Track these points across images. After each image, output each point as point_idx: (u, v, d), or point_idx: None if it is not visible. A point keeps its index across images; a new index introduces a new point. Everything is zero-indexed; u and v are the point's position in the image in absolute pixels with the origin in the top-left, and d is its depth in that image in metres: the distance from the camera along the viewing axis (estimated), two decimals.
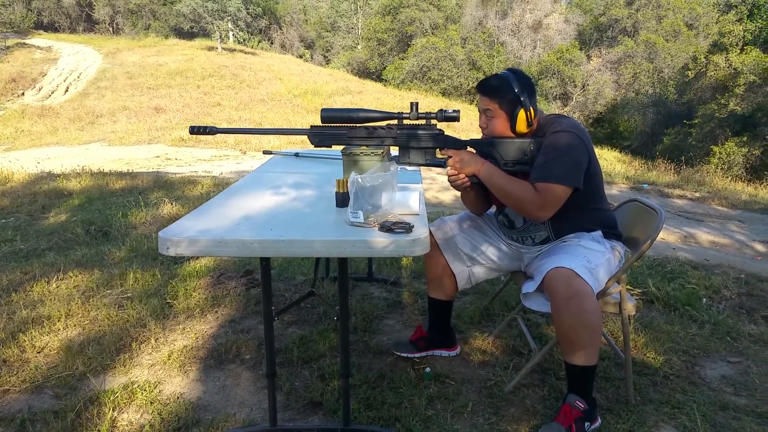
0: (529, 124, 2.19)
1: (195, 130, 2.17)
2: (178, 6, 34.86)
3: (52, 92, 22.91)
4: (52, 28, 40.29)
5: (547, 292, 2.09)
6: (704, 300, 3.49)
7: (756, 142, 18.63)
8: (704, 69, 21.42)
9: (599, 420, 2.20)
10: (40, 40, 33.40)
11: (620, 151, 24.64)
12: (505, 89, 2.17)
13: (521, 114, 2.16)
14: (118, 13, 41.37)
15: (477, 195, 2.42)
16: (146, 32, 38.13)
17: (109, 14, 41.26)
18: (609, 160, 19.49)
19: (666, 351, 2.84)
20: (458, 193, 2.43)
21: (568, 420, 2.08)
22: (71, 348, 2.73)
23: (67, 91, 23.10)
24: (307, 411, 2.31)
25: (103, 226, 4.96)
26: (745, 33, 22.80)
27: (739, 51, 20.96)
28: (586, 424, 2.12)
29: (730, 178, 14.28)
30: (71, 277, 3.69)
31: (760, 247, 5.35)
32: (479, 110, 2.27)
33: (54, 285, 3.56)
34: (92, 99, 21.08)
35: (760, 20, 22.54)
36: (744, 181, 14.06)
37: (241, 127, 13.99)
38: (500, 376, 2.56)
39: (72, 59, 28.23)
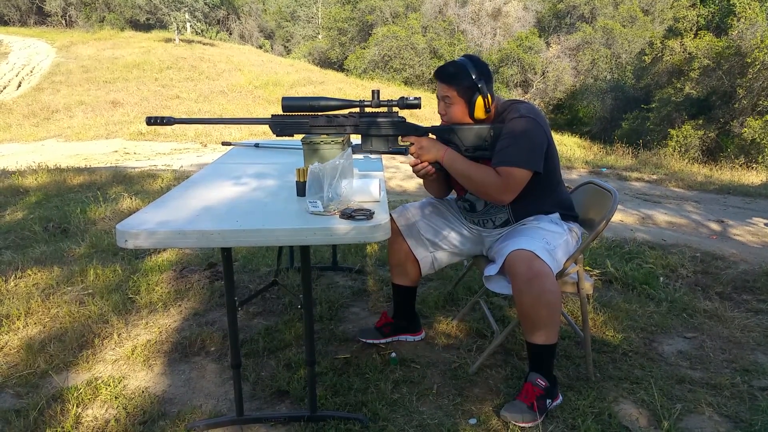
0: (486, 111, 2.22)
1: (152, 121, 2.14)
2: None
3: (4, 87, 22.22)
4: (1, 21, 39.07)
5: (509, 274, 2.14)
6: (661, 279, 3.59)
7: (711, 125, 19.08)
8: (660, 54, 21.78)
9: (560, 397, 2.26)
10: None
11: (580, 137, 25.05)
12: (463, 76, 2.20)
13: (479, 101, 2.19)
14: (71, 5, 40.13)
15: (439, 180, 2.45)
16: (101, 25, 37.08)
17: (61, 6, 40.00)
18: (569, 145, 19.77)
19: (624, 329, 2.91)
20: (421, 182, 2.46)
21: (530, 398, 2.13)
22: (32, 346, 2.69)
23: (19, 86, 22.43)
24: (274, 400, 2.32)
25: (62, 222, 4.86)
26: (699, 18, 23.27)
27: (693, 36, 21.37)
28: (548, 401, 2.17)
29: (686, 160, 14.59)
30: (30, 275, 3.62)
31: (714, 226, 5.50)
32: (437, 97, 2.30)
33: (12, 283, 3.49)
34: (47, 94, 20.50)
35: (712, 5, 23.04)
36: (700, 163, 14.41)
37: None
38: (464, 358, 2.61)
39: (24, 53, 27.40)
